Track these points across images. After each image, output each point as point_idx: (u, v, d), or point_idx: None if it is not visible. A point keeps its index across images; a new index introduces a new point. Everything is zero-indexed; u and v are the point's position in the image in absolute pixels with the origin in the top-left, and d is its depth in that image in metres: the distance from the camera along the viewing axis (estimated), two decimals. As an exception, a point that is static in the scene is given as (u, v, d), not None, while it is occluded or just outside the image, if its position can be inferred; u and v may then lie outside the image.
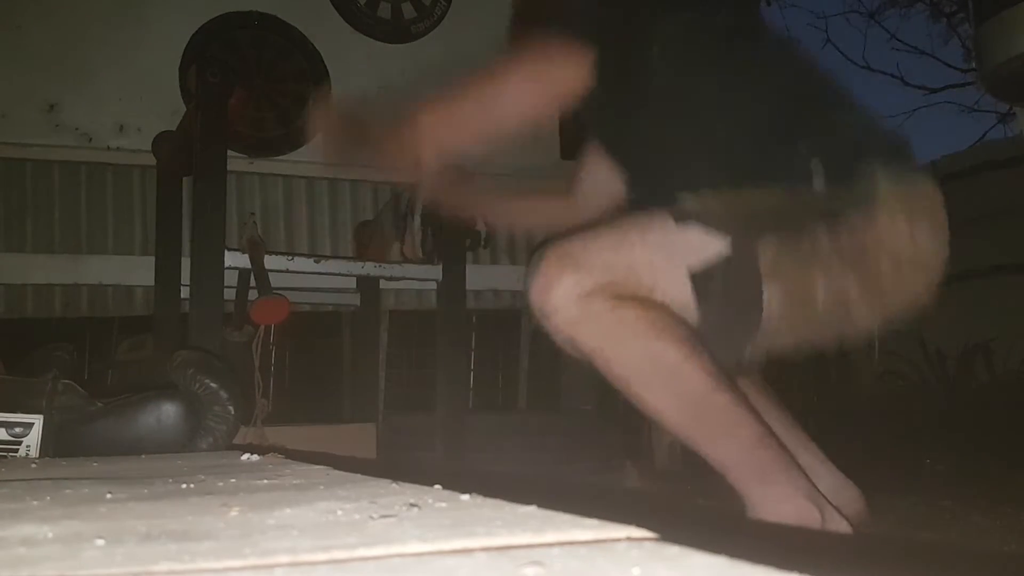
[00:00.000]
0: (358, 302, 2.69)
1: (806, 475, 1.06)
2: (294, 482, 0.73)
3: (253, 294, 2.11)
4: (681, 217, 1.07)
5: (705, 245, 1.06)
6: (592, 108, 1.20)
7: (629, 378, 1.05)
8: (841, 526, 1.03)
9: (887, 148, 1.16)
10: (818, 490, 1.05)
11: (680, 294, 1.06)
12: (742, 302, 1.07)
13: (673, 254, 1.07)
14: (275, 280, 2.09)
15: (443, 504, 0.55)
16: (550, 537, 0.43)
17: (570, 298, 1.04)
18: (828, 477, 1.21)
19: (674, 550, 0.39)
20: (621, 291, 1.04)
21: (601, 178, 1.41)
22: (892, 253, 1.12)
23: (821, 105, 1.21)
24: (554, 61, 1.15)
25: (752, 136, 1.14)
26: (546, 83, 1.16)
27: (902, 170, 1.14)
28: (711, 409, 1.03)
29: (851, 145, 1.15)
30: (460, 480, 0.61)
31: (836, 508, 1.05)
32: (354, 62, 2.86)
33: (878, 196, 1.10)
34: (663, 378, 1.03)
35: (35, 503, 0.62)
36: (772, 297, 1.07)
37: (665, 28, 1.16)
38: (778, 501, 1.01)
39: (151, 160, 2.36)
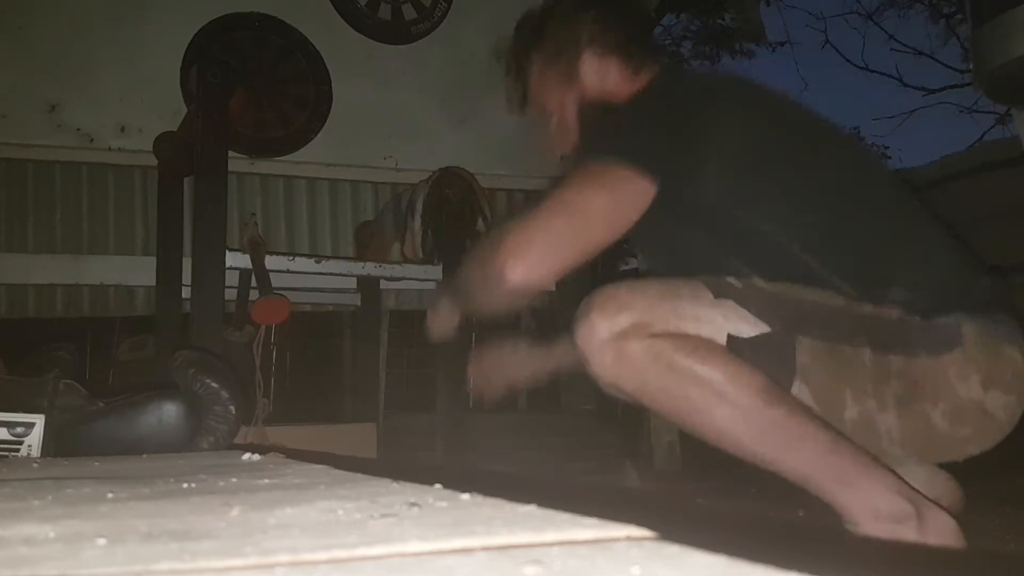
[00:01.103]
0: (358, 302, 2.69)
1: (892, 470, 1.01)
2: (295, 481, 0.73)
3: (254, 294, 2.12)
4: (720, 292, 1.04)
5: (741, 320, 1.03)
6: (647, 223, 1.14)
7: (681, 410, 1.02)
8: (940, 518, 0.99)
9: (985, 301, 1.11)
10: (908, 484, 1.01)
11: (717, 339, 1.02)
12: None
13: (713, 316, 1.03)
14: (276, 280, 2.09)
15: (443, 503, 0.55)
16: (550, 536, 0.43)
17: (609, 340, 1.01)
18: (918, 469, 1.14)
19: (674, 549, 0.39)
20: (657, 329, 1.00)
21: None
22: (953, 407, 1.05)
23: (920, 236, 1.17)
24: (628, 187, 1.09)
25: (820, 244, 1.11)
26: (626, 210, 1.11)
27: (995, 328, 1.07)
28: (772, 424, 0.99)
29: (941, 284, 1.11)
30: (460, 480, 0.61)
31: (931, 500, 1.01)
32: (355, 63, 2.87)
33: (957, 345, 1.05)
34: (715, 403, 0.99)
35: (36, 502, 0.63)
36: (800, 395, 1.04)
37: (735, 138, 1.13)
38: (867, 502, 0.97)
39: (152, 160, 2.37)
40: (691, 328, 1.01)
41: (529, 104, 1.37)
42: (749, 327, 1.02)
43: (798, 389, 1.04)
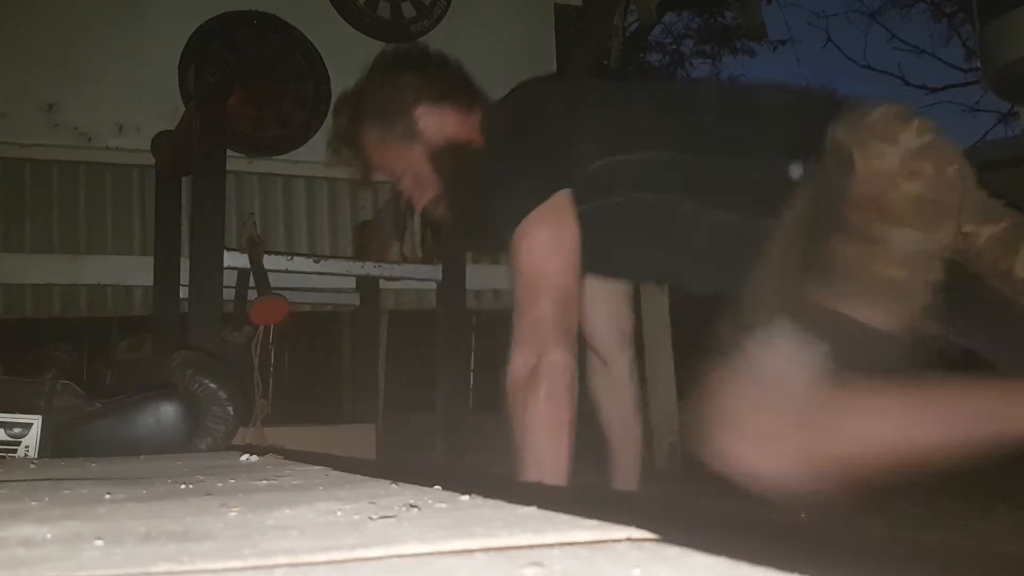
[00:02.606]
0: (358, 302, 2.69)
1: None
2: (293, 483, 0.73)
3: (252, 294, 2.11)
4: (817, 362, 1.04)
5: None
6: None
7: (894, 453, 1.05)
8: None
9: (823, 109, 1.17)
10: None
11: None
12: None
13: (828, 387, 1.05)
14: (274, 280, 2.09)
15: (443, 505, 0.55)
16: (550, 538, 0.43)
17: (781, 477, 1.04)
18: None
19: (674, 551, 0.39)
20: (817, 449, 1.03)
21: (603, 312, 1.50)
22: (896, 174, 1.09)
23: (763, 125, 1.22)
24: (553, 222, 1.20)
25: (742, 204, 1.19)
26: (568, 240, 1.21)
27: (850, 113, 1.14)
28: (933, 417, 1.04)
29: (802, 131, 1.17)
30: (460, 480, 0.61)
31: None
32: (354, 62, 2.85)
33: (850, 151, 1.10)
34: (907, 441, 1.04)
35: (34, 504, 0.62)
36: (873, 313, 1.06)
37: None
38: None
39: (150, 160, 2.36)
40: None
41: (375, 174, 1.46)
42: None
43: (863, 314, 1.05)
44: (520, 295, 1.20)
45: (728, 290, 1.19)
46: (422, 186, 1.39)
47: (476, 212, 1.34)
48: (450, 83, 1.39)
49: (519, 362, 1.17)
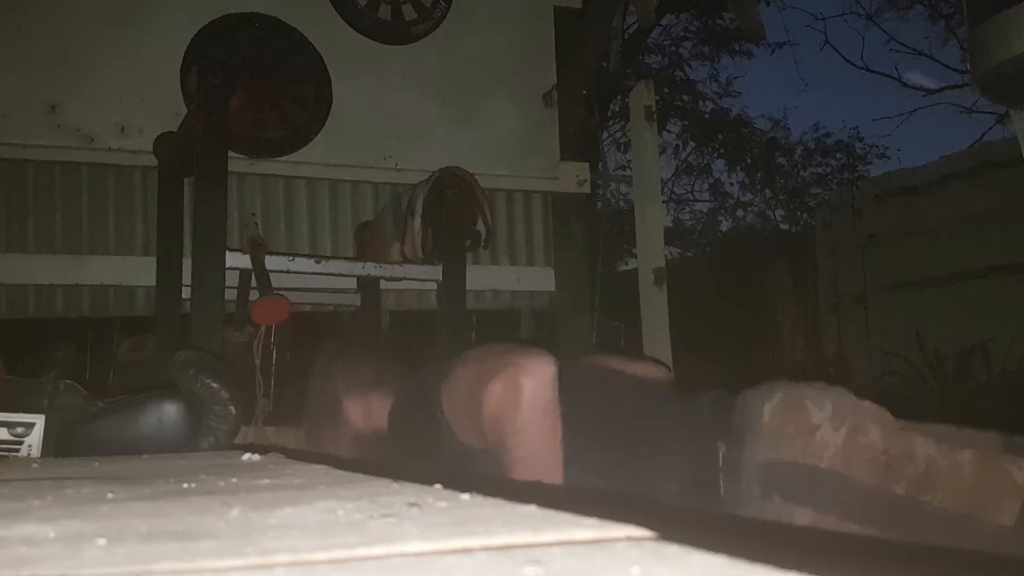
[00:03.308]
0: (358, 302, 2.69)
1: None
2: (295, 482, 0.73)
3: (254, 294, 2.11)
4: None
5: None
6: None
7: None
8: None
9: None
10: None
11: None
12: None
13: None
14: (276, 280, 2.09)
15: (443, 504, 0.55)
16: (550, 536, 0.43)
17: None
18: None
19: (673, 549, 0.39)
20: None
21: None
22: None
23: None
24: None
25: None
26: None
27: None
28: None
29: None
30: (460, 479, 0.61)
31: None
32: (355, 63, 2.86)
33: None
34: None
35: (37, 503, 0.63)
36: None
37: None
38: None
39: (152, 161, 2.37)
40: None
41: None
42: None
43: None
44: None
45: None
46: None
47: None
48: (374, 376, 1.48)
49: (498, 387, 1.15)
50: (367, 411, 1.44)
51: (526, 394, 1.13)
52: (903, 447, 1.03)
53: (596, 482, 1.15)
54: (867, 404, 1.05)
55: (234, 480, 0.76)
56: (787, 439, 1.04)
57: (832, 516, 1.01)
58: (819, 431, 1.02)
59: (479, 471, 1.17)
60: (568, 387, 1.16)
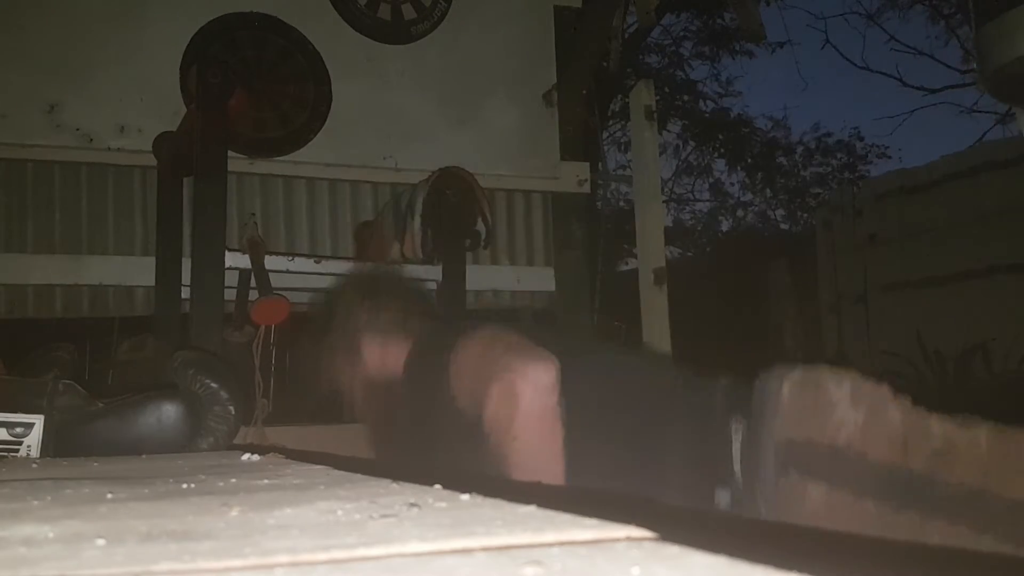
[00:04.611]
0: (358, 302, 2.68)
1: None
2: (294, 482, 0.73)
3: (253, 295, 2.11)
4: None
5: None
6: None
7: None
8: None
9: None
10: None
11: None
12: None
13: None
14: (275, 280, 2.09)
15: (443, 504, 0.55)
16: (550, 537, 0.43)
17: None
18: None
19: (674, 550, 0.39)
20: None
21: None
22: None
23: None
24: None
25: None
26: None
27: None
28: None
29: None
30: (460, 479, 0.61)
31: None
32: (354, 63, 2.86)
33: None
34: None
35: (36, 503, 0.63)
36: None
37: None
38: None
39: (152, 161, 2.36)
40: None
41: (328, 382, 1.56)
42: None
43: None
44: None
45: None
46: (355, 406, 1.54)
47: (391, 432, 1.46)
48: (400, 314, 1.49)
49: (496, 392, 1.16)
50: (384, 354, 1.45)
51: (523, 402, 1.14)
52: (920, 424, 1.04)
53: (601, 478, 1.16)
54: (884, 386, 1.06)
55: (233, 480, 0.76)
56: (806, 416, 1.04)
57: (847, 492, 1.02)
58: (837, 408, 1.03)
59: (481, 449, 1.17)
60: (570, 380, 1.17)
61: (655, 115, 2.87)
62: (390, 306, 1.51)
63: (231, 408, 1.29)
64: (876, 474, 1.02)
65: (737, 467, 1.10)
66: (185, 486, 0.71)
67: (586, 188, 3.14)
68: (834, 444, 1.02)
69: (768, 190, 11.92)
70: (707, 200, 12.13)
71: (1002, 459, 1.03)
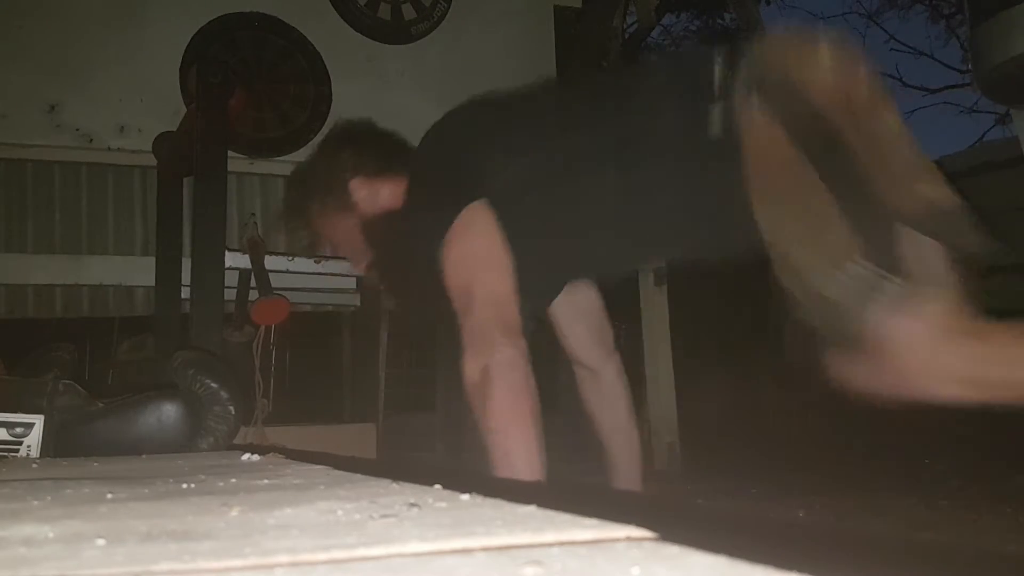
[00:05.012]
0: (358, 302, 2.69)
1: None
2: (294, 482, 0.73)
3: (253, 295, 2.11)
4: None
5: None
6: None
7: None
8: None
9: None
10: None
11: None
12: None
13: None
14: (275, 280, 2.09)
15: (443, 504, 0.55)
16: (550, 537, 0.43)
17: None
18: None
19: (674, 550, 0.39)
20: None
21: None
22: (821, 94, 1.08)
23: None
24: (473, 224, 1.23)
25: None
26: (492, 241, 1.25)
27: (746, 51, 1.15)
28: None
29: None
30: (460, 480, 0.61)
31: None
32: (354, 63, 2.86)
33: (781, 72, 1.10)
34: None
35: (36, 503, 0.63)
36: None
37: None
38: None
39: (152, 161, 2.36)
40: None
41: (322, 242, 1.53)
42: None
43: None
44: (457, 307, 1.22)
45: (710, 246, 1.24)
46: (358, 255, 1.48)
47: (407, 272, 1.41)
48: (384, 156, 1.46)
49: (470, 368, 1.19)
50: (373, 192, 1.42)
51: (495, 394, 1.18)
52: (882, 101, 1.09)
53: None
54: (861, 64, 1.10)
55: (233, 480, 0.76)
56: (791, 58, 1.09)
57: (784, 129, 1.06)
58: (819, 66, 1.07)
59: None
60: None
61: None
62: (371, 146, 1.48)
63: (231, 408, 1.29)
64: (813, 121, 1.05)
65: (715, 92, 1.14)
66: (185, 486, 0.71)
67: (586, 188, 3.14)
68: (795, 84, 1.07)
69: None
70: (707, 200, 12.12)
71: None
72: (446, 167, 1.32)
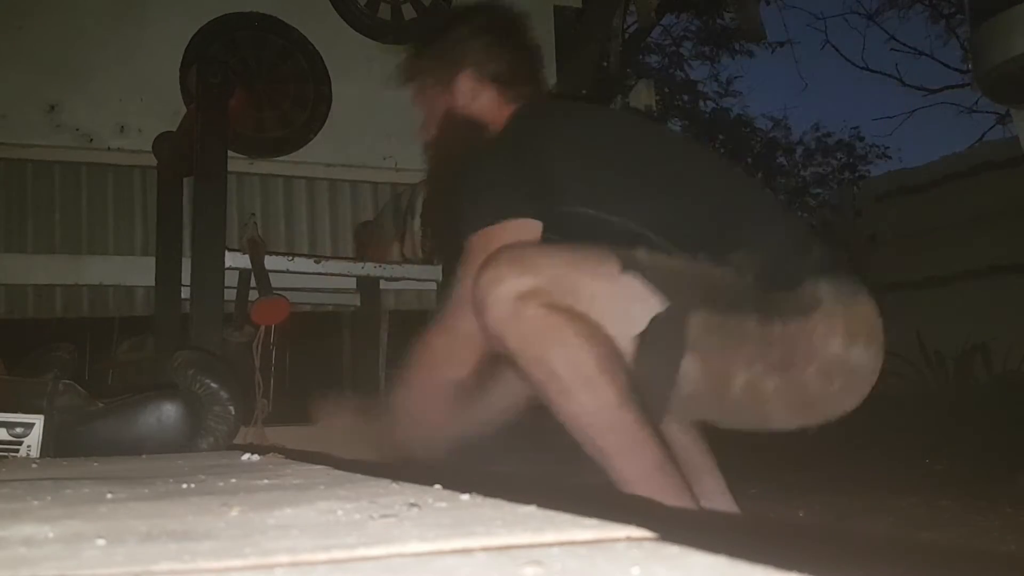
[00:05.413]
0: (358, 302, 2.69)
1: (699, 505, 1.12)
2: (294, 482, 0.73)
3: (253, 295, 2.11)
4: (628, 264, 1.11)
5: (643, 296, 1.10)
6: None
7: (546, 383, 1.09)
8: None
9: (830, 264, 1.21)
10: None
11: (613, 329, 1.09)
12: (661, 362, 1.11)
13: (615, 295, 1.10)
14: (275, 280, 2.09)
15: (443, 504, 0.55)
16: (550, 537, 0.43)
17: (508, 297, 1.07)
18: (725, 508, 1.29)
19: (674, 550, 0.39)
20: (557, 302, 1.07)
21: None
22: (823, 364, 1.14)
23: (757, 216, 1.26)
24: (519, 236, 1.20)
25: (694, 223, 1.20)
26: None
27: (845, 287, 1.18)
28: (617, 425, 1.06)
29: (789, 254, 1.20)
30: (460, 479, 0.61)
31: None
32: (354, 63, 2.86)
33: (819, 307, 1.14)
34: (577, 387, 1.06)
35: (36, 503, 0.63)
36: (690, 368, 1.11)
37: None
38: None
39: (152, 161, 2.37)
40: (586, 306, 1.07)
41: (408, 89, 1.53)
42: (645, 304, 1.09)
43: (687, 363, 1.11)
44: (466, 270, 1.19)
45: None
46: (427, 127, 1.48)
47: (453, 190, 1.35)
48: (506, 69, 1.41)
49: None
50: (475, 94, 1.41)
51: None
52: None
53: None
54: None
55: (233, 480, 0.76)
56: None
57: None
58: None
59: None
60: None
61: (655, 115, 2.87)
62: (506, 54, 1.42)
63: (231, 408, 1.29)
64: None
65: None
66: (185, 486, 0.71)
67: (586, 188, 3.14)
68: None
69: (768, 190, 11.93)
70: (707, 200, 12.12)
71: None
72: (543, 167, 1.23)
